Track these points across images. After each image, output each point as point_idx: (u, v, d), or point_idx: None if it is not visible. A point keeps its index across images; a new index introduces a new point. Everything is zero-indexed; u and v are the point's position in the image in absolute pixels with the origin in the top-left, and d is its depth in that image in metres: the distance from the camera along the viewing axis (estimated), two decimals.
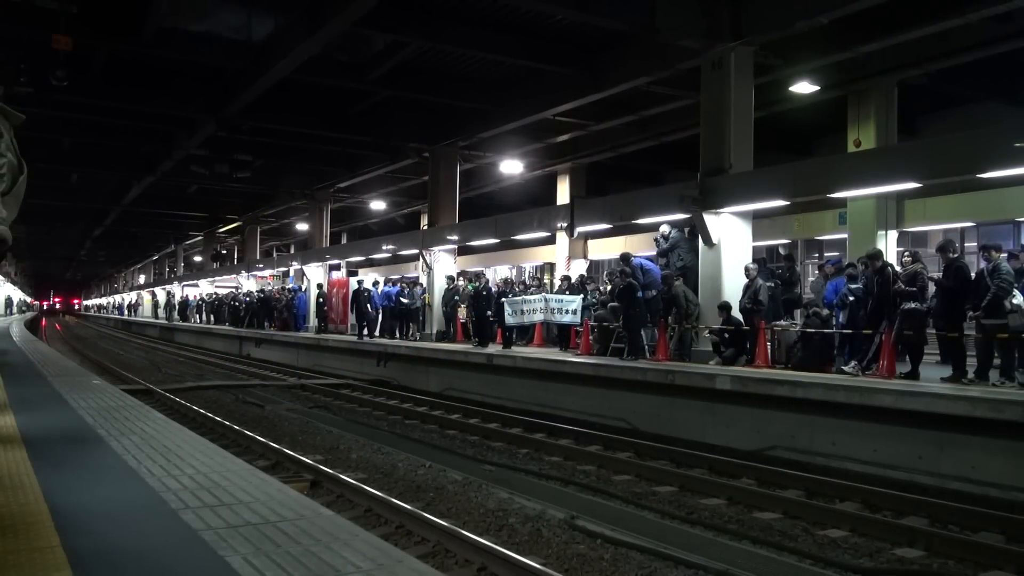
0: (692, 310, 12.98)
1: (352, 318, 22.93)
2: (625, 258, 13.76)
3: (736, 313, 12.24)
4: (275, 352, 25.94)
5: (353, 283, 23.88)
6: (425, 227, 22.38)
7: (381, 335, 22.06)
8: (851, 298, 11.04)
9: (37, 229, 44.61)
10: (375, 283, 22.88)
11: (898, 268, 10.74)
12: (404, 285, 21.83)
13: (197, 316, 41.42)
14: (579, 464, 9.63)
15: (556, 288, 17.89)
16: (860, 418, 8.95)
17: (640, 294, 13.15)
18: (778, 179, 11.80)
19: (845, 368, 10.57)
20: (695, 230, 13.60)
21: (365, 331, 21.17)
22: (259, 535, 3.48)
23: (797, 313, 13.22)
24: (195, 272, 48.75)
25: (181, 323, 42.05)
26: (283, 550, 3.28)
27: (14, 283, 63.35)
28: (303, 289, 28.43)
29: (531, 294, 17.21)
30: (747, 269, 12.24)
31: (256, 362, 24.81)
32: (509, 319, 15.96)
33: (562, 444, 10.71)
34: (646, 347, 13.53)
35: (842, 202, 15.58)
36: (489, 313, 17.12)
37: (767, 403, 9.96)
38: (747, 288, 12.15)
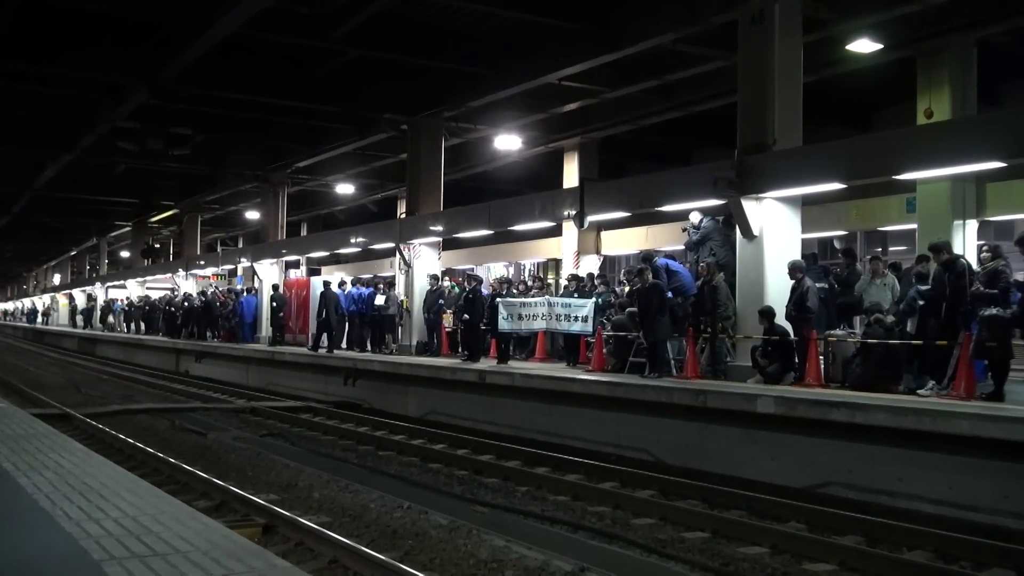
0: (731, 312, 12.98)
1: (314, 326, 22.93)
2: (647, 257, 13.77)
3: (782, 321, 12.25)
4: (220, 368, 25.88)
5: (317, 283, 23.88)
6: (403, 216, 22.36)
7: (349, 347, 22.03)
8: (920, 302, 11.05)
9: None
10: (341, 283, 22.86)
11: (976, 266, 10.75)
12: (380, 285, 21.81)
13: (124, 324, 41.36)
14: (591, 505, 9.62)
15: (562, 290, 17.90)
16: (932, 448, 8.95)
17: (669, 295, 13.13)
18: (832, 157, 11.80)
19: (920, 390, 10.57)
20: (731, 219, 13.58)
21: (323, 341, 21.17)
22: None
23: (856, 320, 13.23)
24: (122, 271, 48.67)
25: (105, 333, 41.95)
26: None
27: None
28: (254, 291, 28.40)
29: (532, 296, 17.20)
30: (791, 268, 12.26)
31: (197, 380, 24.74)
32: (504, 324, 15.97)
33: (570, 480, 10.69)
34: (672, 362, 13.53)
35: (910, 186, 15.61)
36: (482, 320, 17.13)
37: (819, 430, 9.95)
38: (794, 290, 12.17)
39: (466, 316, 17.11)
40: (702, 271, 13.36)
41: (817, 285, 12.44)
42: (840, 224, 18.70)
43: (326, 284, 22.90)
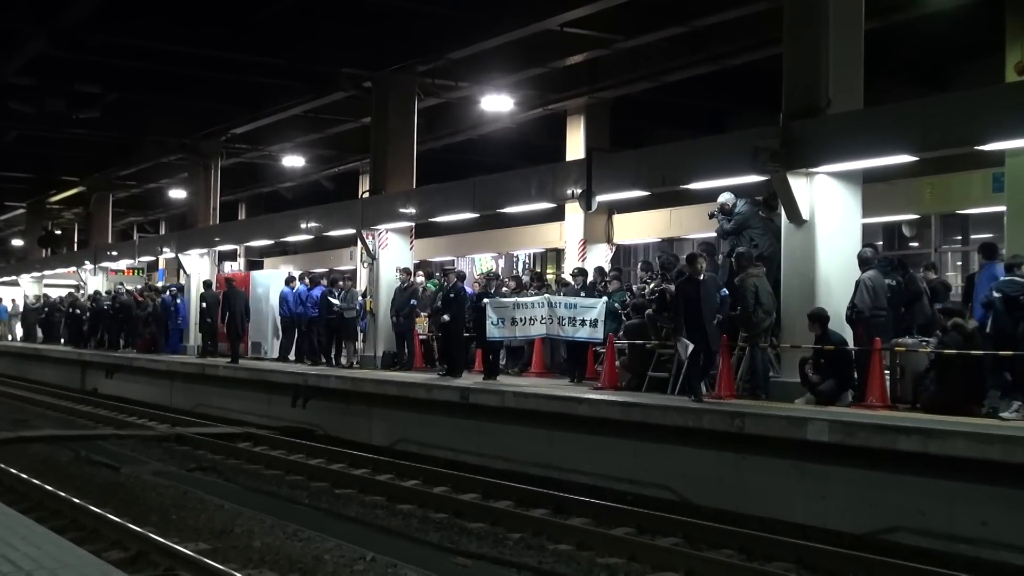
0: (760, 318, 12.97)
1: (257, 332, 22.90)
2: (692, 258, 13.19)
3: (838, 326, 12.28)
4: (137, 385, 25.81)
5: (260, 278, 23.85)
6: (366, 195, 22.32)
7: (299, 359, 22.00)
8: (996, 295, 11.08)
9: None
10: (290, 279, 22.82)
11: None
12: (339, 282, 21.77)
13: (18, 330, 41.22)
14: (600, 555, 9.62)
15: (563, 287, 17.88)
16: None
17: (723, 292, 12.87)
18: (900, 123, 11.81)
19: (1004, 413, 10.59)
20: (770, 199, 13.57)
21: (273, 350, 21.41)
22: None
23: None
24: (14, 264, 48.46)
25: None
26: None
27: None
28: (179, 290, 28.29)
29: (528, 295, 17.19)
30: (861, 260, 12.25)
31: (108, 400, 24.68)
32: (493, 331, 15.94)
33: (574, 525, 10.70)
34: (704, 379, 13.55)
35: (998, 158, 15.62)
36: (465, 326, 17.10)
37: (884, 462, 9.97)
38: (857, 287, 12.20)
39: (445, 320, 17.07)
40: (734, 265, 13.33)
41: (886, 282, 12.46)
42: (909, 206, 18.71)
43: (228, 281, 23.70)
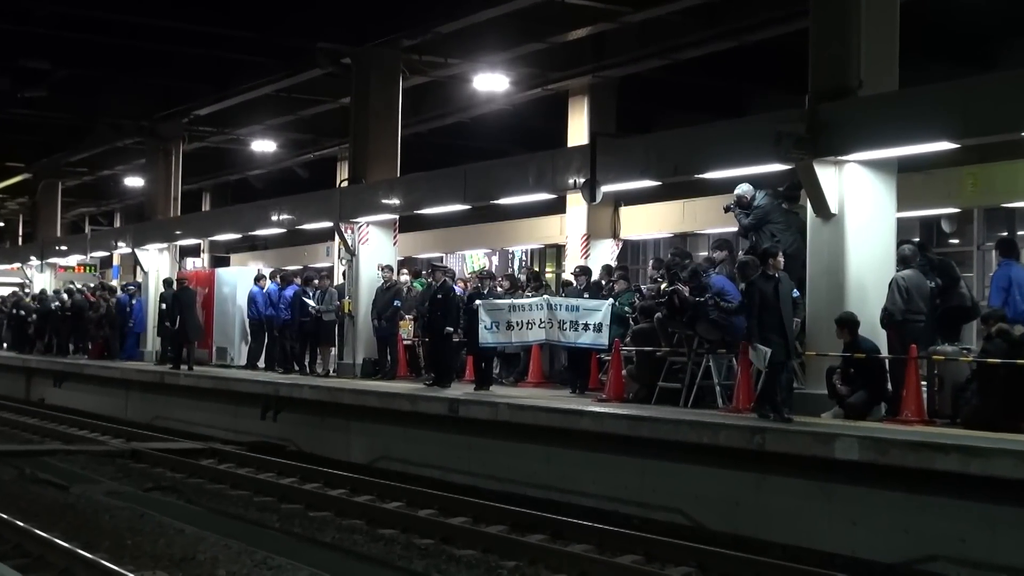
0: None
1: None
2: (772, 252, 12.48)
3: (869, 332, 12.28)
4: (88, 395, 25.82)
5: (226, 276, 23.74)
6: (345, 184, 22.30)
7: (270, 366, 21.98)
8: None
9: None
10: (259, 277, 22.80)
11: None
12: (320, 279, 21.73)
13: None
14: None
15: (563, 287, 17.87)
16: None
17: (795, 293, 12.52)
18: (940, 106, 11.83)
19: None
20: (790, 190, 13.56)
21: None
22: None
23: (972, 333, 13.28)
24: None
25: None
26: None
27: None
28: (136, 289, 28.26)
29: (525, 296, 17.18)
30: (901, 258, 12.22)
31: (56, 412, 24.64)
32: (486, 336, 15.95)
33: (575, 552, 10.70)
34: (719, 388, 13.53)
35: None
36: (455, 330, 17.11)
37: (921, 483, 9.97)
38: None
39: (433, 323, 17.05)
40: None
41: (928, 284, 12.46)
42: (949, 198, 18.71)
43: (167, 283, 24.02)
